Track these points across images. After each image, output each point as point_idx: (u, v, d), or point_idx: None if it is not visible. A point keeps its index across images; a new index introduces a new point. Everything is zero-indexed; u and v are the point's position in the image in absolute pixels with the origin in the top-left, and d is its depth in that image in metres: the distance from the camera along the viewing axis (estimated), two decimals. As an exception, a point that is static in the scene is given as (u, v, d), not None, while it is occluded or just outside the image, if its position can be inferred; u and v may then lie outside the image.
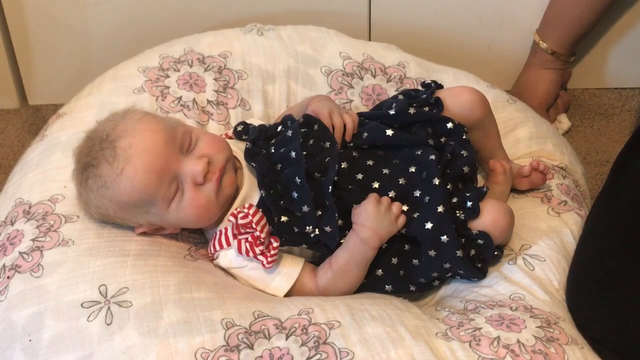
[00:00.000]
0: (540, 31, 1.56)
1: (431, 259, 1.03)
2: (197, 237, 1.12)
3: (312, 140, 1.08)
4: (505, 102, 1.37)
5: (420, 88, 1.19)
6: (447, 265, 1.04)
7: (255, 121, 1.21)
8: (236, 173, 1.07)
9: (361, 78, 1.34)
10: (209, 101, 1.27)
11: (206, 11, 1.61)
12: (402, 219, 1.03)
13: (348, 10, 1.61)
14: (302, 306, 0.97)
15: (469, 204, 1.05)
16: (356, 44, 1.39)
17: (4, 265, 1.01)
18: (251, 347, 0.91)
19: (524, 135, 1.32)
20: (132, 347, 0.91)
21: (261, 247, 1.00)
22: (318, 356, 0.89)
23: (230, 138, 1.16)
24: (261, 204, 1.03)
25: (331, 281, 1.03)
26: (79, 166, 1.03)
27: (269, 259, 1.00)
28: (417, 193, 1.05)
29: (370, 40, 1.64)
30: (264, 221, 1.01)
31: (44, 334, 0.93)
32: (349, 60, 1.35)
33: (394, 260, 1.05)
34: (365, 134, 1.10)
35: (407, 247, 1.06)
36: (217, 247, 1.05)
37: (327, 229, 1.03)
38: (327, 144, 1.08)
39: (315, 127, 1.10)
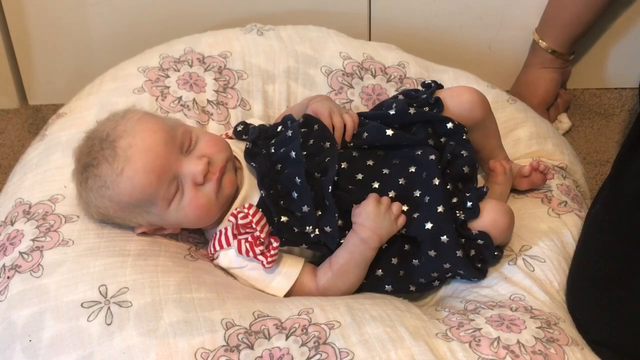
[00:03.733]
0: (540, 30, 1.56)
1: (431, 259, 1.03)
2: (197, 237, 1.12)
3: (312, 140, 1.08)
4: (505, 102, 1.37)
5: (420, 88, 1.19)
6: (447, 266, 1.04)
7: (255, 121, 1.21)
8: (236, 173, 1.07)
9: (361, 78, 1.34)
10: (209, 101, 1.27)
11: (206, 11, 1.61)
12: (402, 219, 1.03)
13: (348, 10, 1.61)
14: (302, 306, 0.97)
15: (469, 204, 1.05)
16: (356, 44, 1.39)
17: (4, 265, 1.01)
18: (251, 347, 0.91)
19: (524, 135, 1.32)
20: (132, 347, 0.91)
21: (261, 247, 1.00)
22: (318, 356, 0.90)
23: (230, 138, 1.16)
24: (261, 204, 1.03)
25: (331, 281, 1.03)
26: (78, 166, 1.03)
27: (269, 259, 1.00)
28: (417, 193, 1.05)
29: (370, 40, 1.64)
30: (264, 221, 1.01)
31: (44, 334, 0.93)
32: (349, 60, 1.35)
33: (394, 261, 1.05)
34: (365, 134, 1.10)
35: (407, 247, 1.06)
36: (217, 247, 1.05)
37: (327, 229, 1.03)
38: (327, 144, 1.08)
39: (315, 127, 1.10)
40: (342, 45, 1.37)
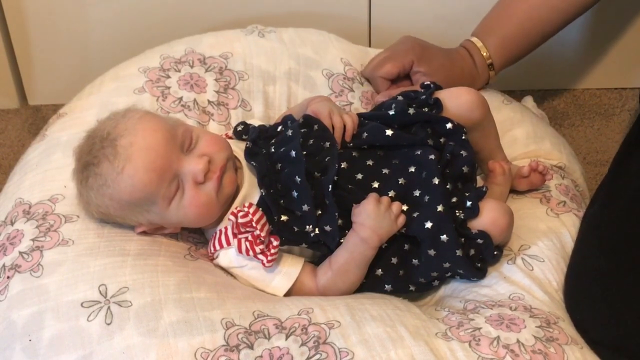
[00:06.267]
0: (481, 35, 1.36)
1: (431, 259, 1.03)
2: (197, 237, 1.12)
3: (312, 140, 1.08)
4: (501, 103, 1.37)
5: (419, 89, 1.19)
6: (447, 265, 1.04)
7: (256, 122, 1.21)
8: (236, 172, 1.07)
9: (361, 83, 1.35)
10: (209, 102, 1.27)
11: (207, 12, 1.61)
12: (402, 219, 1.03)
13: (348, 14, 1.61)
14: (302, 306, 0.98)
15: (469, 203, 1.05)
16: (356, 51, 1.39)
17: (4, 265, 1.02)
18: (251, 346, 0.91)
19: (521, 135, 1.32)
20: (132, 347, 0.91)
21: (261, 246, 1.00)
22: (318, 356, 0.90)
23: (231, 138, 1.16)
24: (261, 203, 1.03)
25: (331, 281, 1.04)
26: (79, 165, 1.03)
27: (269, 258, 1.00)
28: (417, 193, 1.05)
29: (370, 42, 1.64)
30: (264, 220, 1.01)
31: (44, 334, 0.93)
32: (349, 67, 1.36)
33: (394, 260, 1.05)
34: (365, 134, 1.10)
35: (406, 246, 1.06)
36: (217, 247, 1.05)
37: (327, 228, 1.03)
38: (327, 144, 1.08)
39: (315, 127, 1.10)
40: (342, 52, 1.38)
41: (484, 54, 1.35)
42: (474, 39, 1.36)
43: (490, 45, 1.35)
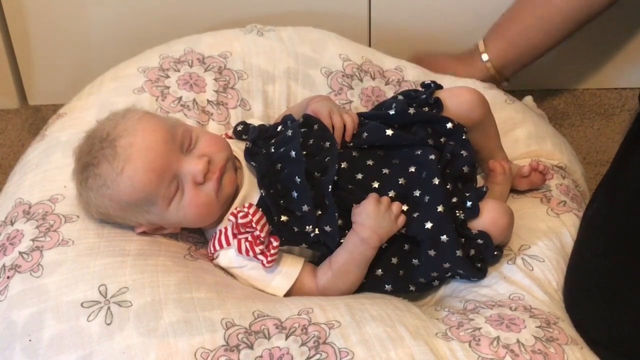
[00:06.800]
0: (486, 40, 1.44)
1: (431, 259, 1.03)
2: (197, 237, 1.12)
3: (312, 140, 1.08)
4: (503, 102, 1.37)
5: (419, 88, 1.19)
6: (447, 265, 1.04)
7: (255, 121, 1.21)
8: (236, 173, 1.07)
9: (360, 80, 1.35)
10: (209, 101, 1.27)
11: (206, 12, 1.61)
12: (402, 219, 1.03)
13: (348, 12, 1.61)
14: (302, 306, 0.98)
15: (469, 203, 1.05)
16: (355, 47, 1.39)
17: (4, 265, 1.02)
18: (251, 347, 0.91)
19: (523, 135, 1.32)
20: (132, 347, 0.91)
21: (261, 247, 1.00)
22: (318, 356, 0.90)
23: (230, 138, 1.16)
24: (261, 204, 1.03)
25: (331, 281, 1.04)
26: (79, 165, 1.03)
27: (269, 259, 1.00)
28: (417, 193, 1.05)
29: (370, 41, 1.64)
30: (263, 220, 1.01)
31: (44, 334, 0.93)
32: (348, 62, 1.36)
33: (394, 260, 1.05)
34: (365, 134, 1.10)
35: (407, 247, 1.06)
36: (217, 247, 1.05)
37: (327, 228, 1.03)
38: (327, 143, 1.08)
39: (315, 127, 1.10)
40: (341, 48, 1.38)
41: (483, 55, 1.41)
42: (479, 42, 1.44)
43: (494, 48, 1.42)
